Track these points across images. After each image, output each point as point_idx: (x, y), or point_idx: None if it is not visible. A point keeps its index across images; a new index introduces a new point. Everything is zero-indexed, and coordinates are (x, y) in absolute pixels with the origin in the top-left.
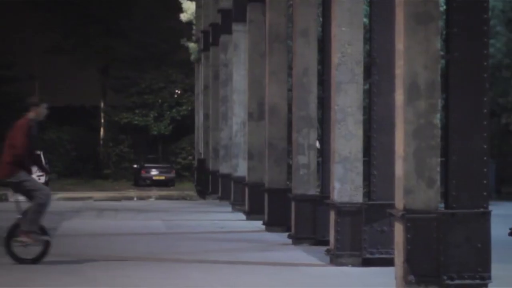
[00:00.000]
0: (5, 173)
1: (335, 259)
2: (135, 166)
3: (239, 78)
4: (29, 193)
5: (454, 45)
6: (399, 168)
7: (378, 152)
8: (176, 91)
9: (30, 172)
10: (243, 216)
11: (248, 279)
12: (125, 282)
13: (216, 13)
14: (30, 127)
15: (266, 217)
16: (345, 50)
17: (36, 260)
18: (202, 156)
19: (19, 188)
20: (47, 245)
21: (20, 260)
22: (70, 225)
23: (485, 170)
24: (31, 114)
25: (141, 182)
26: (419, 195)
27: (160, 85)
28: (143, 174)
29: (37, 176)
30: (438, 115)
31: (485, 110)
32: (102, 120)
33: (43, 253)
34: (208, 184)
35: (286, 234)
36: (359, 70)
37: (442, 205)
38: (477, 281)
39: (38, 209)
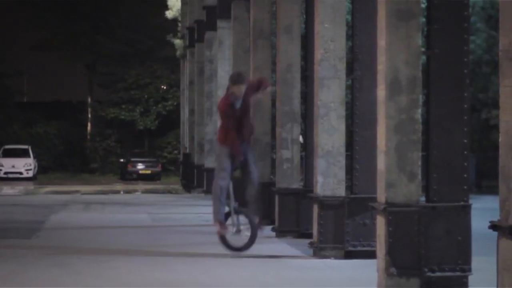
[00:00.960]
0: None
1: (318, 251)
2: (121, 160)
3: (224, 74)
4: None
5: (435, 41)
6: (381, 162)
7: (360, 147)
8: (162, 86)
9: None
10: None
11: (233, 271)
12: (112, 274)
13: (201, 10)
14: None
15: None
16: (327, 46)
17: None
18: (188, 151)
19: None
20: None
21: None
22: (57, 218)
23: (465, 164)
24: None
25: (127, 176)
26: (401, 188)
27: (146, 81)
28: (130, 168)
29: (26, 170)
30: (419, 110)
31: (465, 105)
32: (89, 115)
33: None
34: (194, 178)
35: (270, 227)
36: (342, 66)
37: (423, 198)
38: (458, 273)
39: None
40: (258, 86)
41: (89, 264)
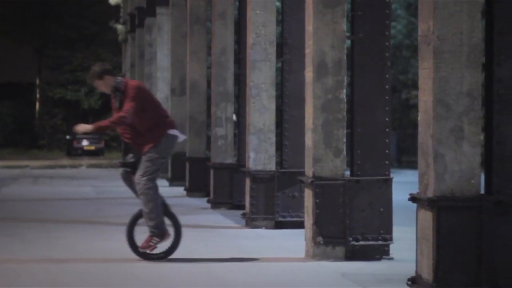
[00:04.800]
0: None
1: (250, 222)
2: (67, 137)
3: (163, 57)
4: None
5: (359, 26)
6: (309, 139)
7: (290, 125)
8: None
9: None
10: (166, 183)
11: None
12: (60, 242)
13: None
14: None
15: (187, 183)
16: (259, 31)
17: None
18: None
19: None
20: None
21: None
22: (8, 191)
23: (387, 141)
24: None
25: (73, 152)
26: (327, 163)
27: (90, 63)
28: (75, 144)
29: None
30: (344, 91)
31: (387, 86)
32: (38, 96)
33: None
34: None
35: (206, 199)
36: (272, 50)
37: (348, 172)
38: (380, 242)
39: None
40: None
41: (38, 234)
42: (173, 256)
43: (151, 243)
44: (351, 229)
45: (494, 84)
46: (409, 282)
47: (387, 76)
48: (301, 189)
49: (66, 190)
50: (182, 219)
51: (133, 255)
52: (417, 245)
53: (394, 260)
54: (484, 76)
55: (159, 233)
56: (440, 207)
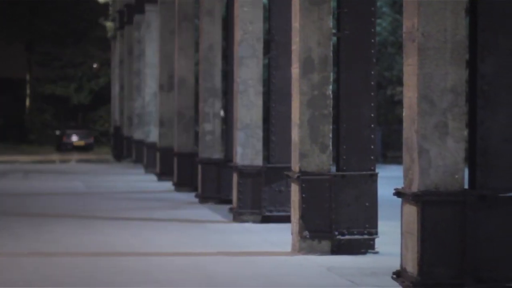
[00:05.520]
0: None
1: (237, 216)
2: (57, 132)
3: (151, 53)
4: None
5: (345, 24)
6: (295, 135)
7: (276, 120)
8: (94, 65)
9: None
10: (155, 178)
11: (159, 234)
12: (49, 237)
13: None
14: None
15: (175, 178)
16: (246, 28)
17: None
18: (118, 124)
19: None
20: None
21: None
22: None
23: (372, 136)
24: None
25: (62, 147)
26: (313, 159)
27: (80, 60)
28: (65, 139)
29: None
30: (330, 87)
31: (372, 83)
32: (28, 91)
33: None
34: (123, 148)
35: (193, 193)
36: (259, 46)
37: (334, 168)
38: (365, 236)
39: None
40: None
41: (27, 227)
42: (161, 250)
43: None
44: (337, 223)
45: (478, 80)
46: (394, 276)
47: (372, 72)
48: (287, 184)
49: (55, 185)
50: (171, 213)
51: (121, 249)
52: (401, 239)
53: (379, 254)
54: (468, 73)
55: None
56: (425, 201)
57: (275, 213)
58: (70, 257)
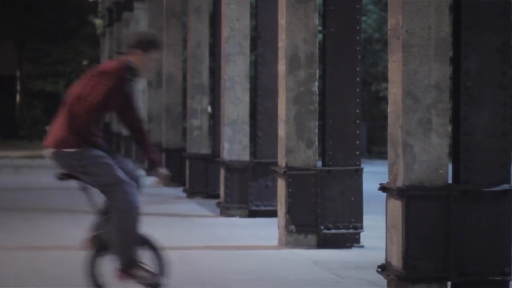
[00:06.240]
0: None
1: (224, 210)
2: (47, 128)
3: None
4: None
5: (330, 21)
6: (282, 130)
7: (263, 116)
8: (84, 62)
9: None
10: (143, 173)
11: (148, 228)
12: (40, 230)
13: None
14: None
15: None
16: (233, 25)
17: None
18: (107, 120)
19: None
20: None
21: None
22: None
23: (357, 132)
24: (132, 59)
25: None
26: (299, 154)
27: (69, 56)
28: None
29: None
30: (316, 83)
31: (357, 79)
32: (18, 88)
33: None
34: (112, 144)
35: (181, 188)
36: (246, 43)
37: (320, 163)
38: (351, 230)
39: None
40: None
41: (18, 222)
42: None
43: None
44: (322, 217)
45: (461, 77)
46: (379, 269)
47: (357, 69)
48: (274, 179)
49: (45, 180)
50: (159, 208)
51: None
52: (386, 233)
53: (365, 248)
54: (452, 69)
55: None
56: (409, 196)
57: (262, 208)
58: (59, 251)
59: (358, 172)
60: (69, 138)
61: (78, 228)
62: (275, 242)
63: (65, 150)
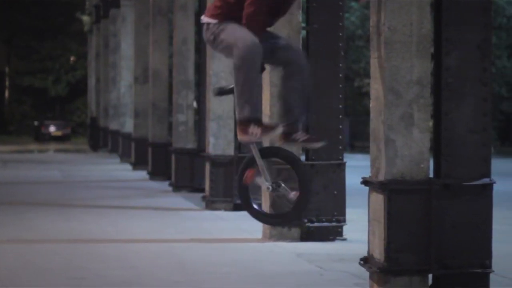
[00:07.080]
0: None
1: (210, 204)
2: (35, 123)
3: (127, 46)
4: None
5: (314, 17)
6: None
7: None
8: (72, 58)
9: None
10: (130, 167)
11: (135, 221)
12: (28, 224)
13: None
14: None
15: (149, 167)
16: None
17: None
18: (94, 115)
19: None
20: None
21: None
22: None
23: (340, 127)
24: None
25: (41, 137)
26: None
27: (57, 53)
28: (43, 130)
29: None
30: None
31: (340, 75)
32: (7, 83)
33: None
34: (99, 139)
35: (167, 182)
36: None
37: (303, 157)
38: (334, 223)
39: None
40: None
41: (7, 215)
42: (136, 236)
43: None
44: (306, 211)
45: (443, 73)
46: (362, 262)
47: (340, 65)
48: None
49: (34, 174)
50: (146, 202)
51: (98, 236)
52: (369, 226)
53: (347, 241)
54: (433, 65)
55: None
56: (391, 190)
57: None
58: (49, 244)
59: (341, 167)
60: None
61: (65, 222)
62: (259, 235)
63: None
